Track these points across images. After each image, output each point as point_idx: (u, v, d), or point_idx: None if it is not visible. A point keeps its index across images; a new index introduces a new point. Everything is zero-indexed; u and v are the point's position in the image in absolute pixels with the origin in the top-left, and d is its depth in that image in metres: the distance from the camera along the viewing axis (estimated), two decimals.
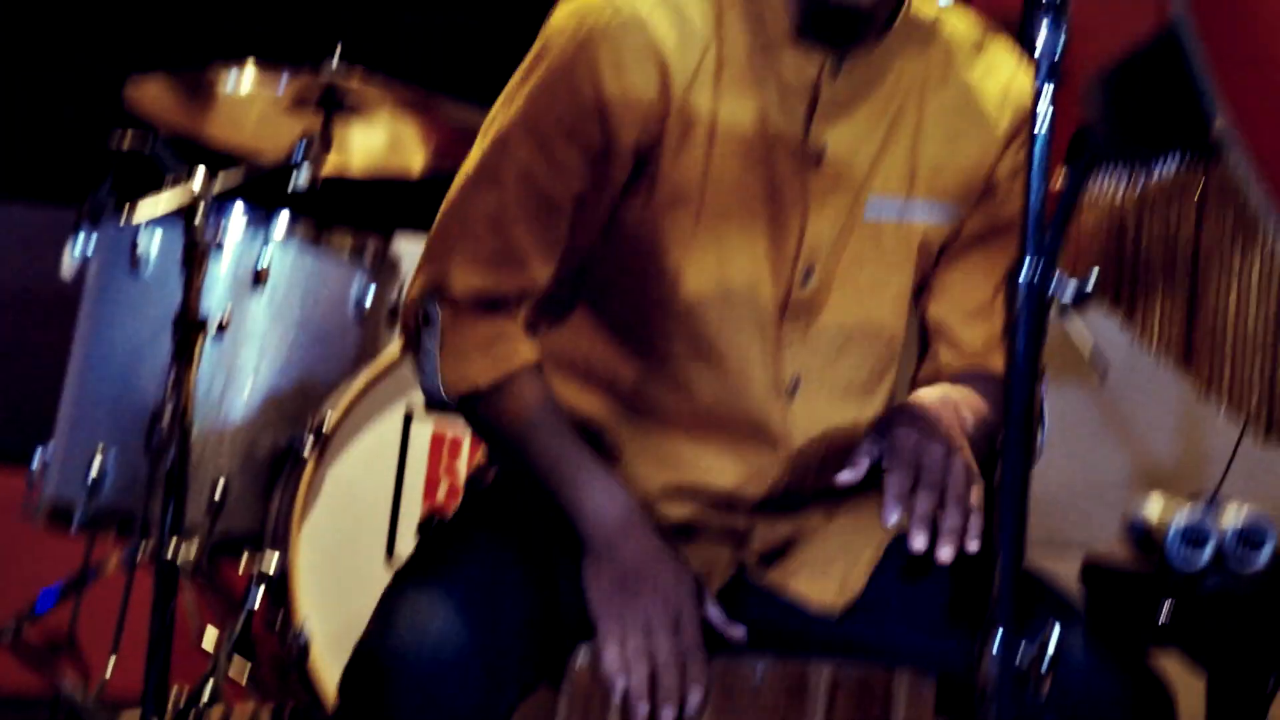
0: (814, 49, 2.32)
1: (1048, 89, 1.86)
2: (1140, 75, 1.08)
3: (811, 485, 2.42)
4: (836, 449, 2.41)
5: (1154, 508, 2.80)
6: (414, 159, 3.83)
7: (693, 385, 2.38)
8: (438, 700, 2.10)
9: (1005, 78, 2.43)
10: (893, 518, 2.11)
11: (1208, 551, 2.69)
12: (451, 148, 3.71)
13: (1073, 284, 1.89)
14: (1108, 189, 2.86)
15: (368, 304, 3.71)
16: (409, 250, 4.36)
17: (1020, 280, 1.84)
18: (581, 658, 2.28)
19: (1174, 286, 2.90)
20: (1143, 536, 2.82)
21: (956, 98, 2.42)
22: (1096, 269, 1.97)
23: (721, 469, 2.38)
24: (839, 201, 2.35)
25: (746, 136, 2.34)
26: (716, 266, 2.35)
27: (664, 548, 2.28)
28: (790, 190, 2.34)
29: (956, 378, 2.50)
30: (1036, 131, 1.87)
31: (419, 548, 2.45)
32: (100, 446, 3.60)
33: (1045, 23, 1.85)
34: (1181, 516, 2.71)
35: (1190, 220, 2.81)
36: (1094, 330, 3.41)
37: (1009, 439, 1.86)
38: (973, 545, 2.12)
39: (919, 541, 2.11)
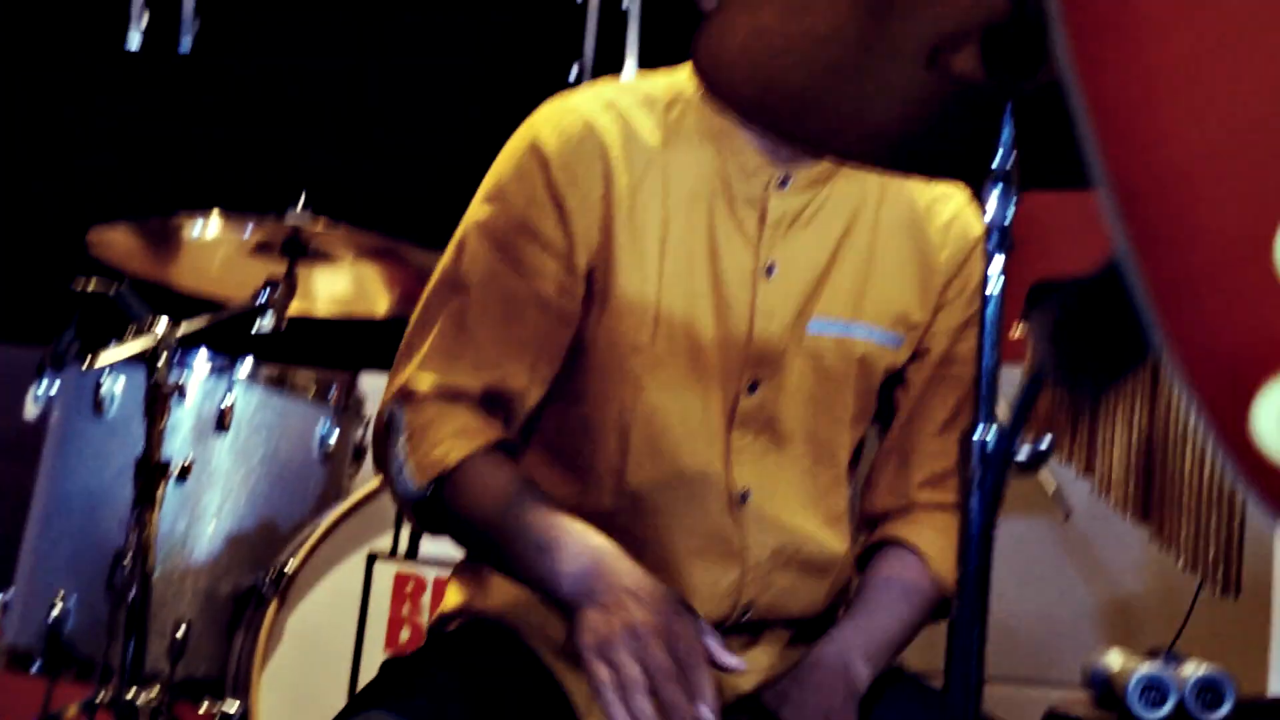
0: (762, 164, 2.34)
1: (998, 258, 1.86)
2: (1083, 311, 1.11)
3: (764, 614, 2.40)
4: (796, 562, 2.41)
5: (1114, 659, 2.80)
6: (379, 302, 3.87)
7: (651, 497, 2.37)
8: None
9: (954, 209, 2.47)
10: None
11: (1168, 706, 2.69)
12: (416, 290, 3.73)
13: (1028, 446, 1.87)
14: None
15: (332, 444, 3.72)
16: (374, 389, 4.46)
17: (975, 441, 1.83)
18: None
19: (1131, 444, 2.91)
20: (1104, 688, 2.81)
21: (904, 216, 2.46)
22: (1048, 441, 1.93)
23: (687, 586, 2.36)
24: (785, 315, 2.36)
25: (696, 250, 2.36)
26: (669, 374, 2.36)
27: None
28: (738, 302, 2.35)
29: (871, 565, 2.51)
30: (988, 293, 1.86)
31: (376, 678, 2.41)
32: (61, 591, 3.58)
33: (995, 192, 1.86)
34: (1142, 669, 2.72)
35: (1146, 388, 2.85)
36: (1056, 473, 3.40)
37: (963, 598, 1.84)
38: None
39: None
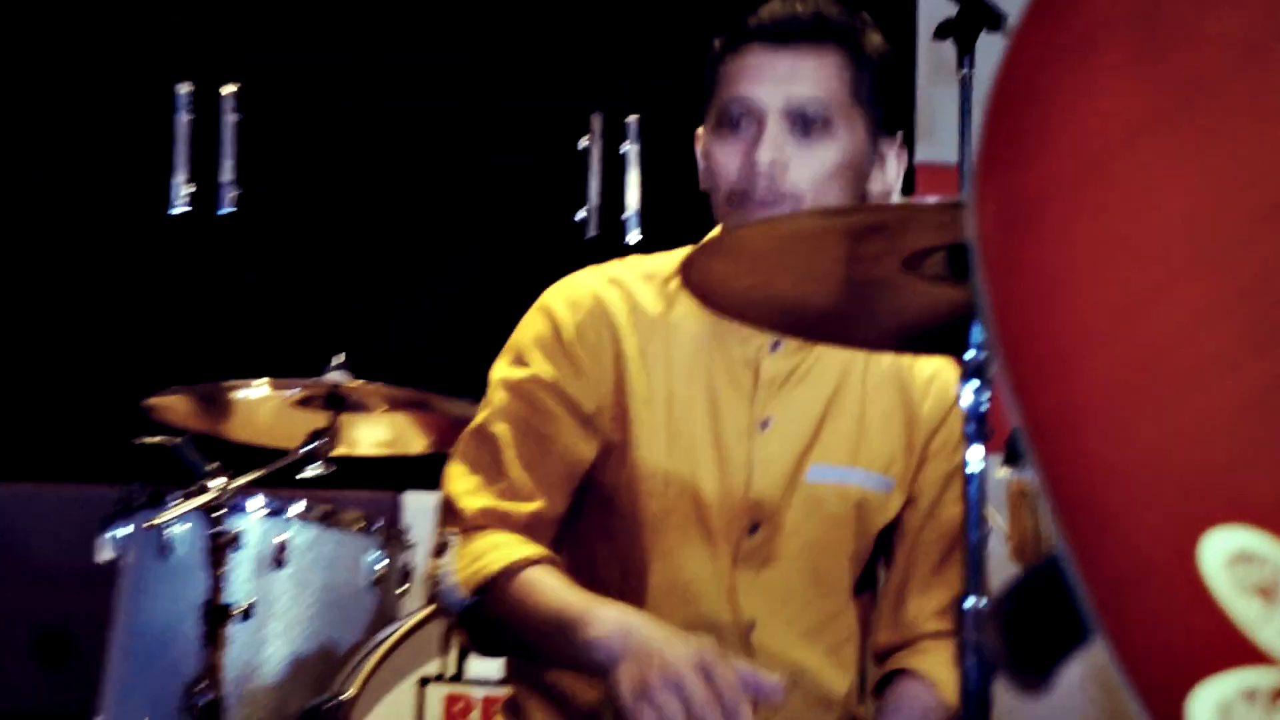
0: (754, 332, 2.36)
1: (977, 446, 1.88)
2: (1034, 615, 1.12)
3: None
4: (800, 690, 2.39)
5: None
6: (414, 444, 3.84)
7: (669, 623, 2.31)
8: None
9: (934, 366, 2.47)
10: None
11: None
12: (449, 435, 3.73)
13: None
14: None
15: (380, 570, 3.69)
16: (416, 508, 4.41)
17: (967, 609, 1.84)
18: None
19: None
20: None
21: (889, 373, 2.46)
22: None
23: None
24: (782, 465, 2.38)
25: (698, 408, 2.39)
26: (679, 521, 2.38)
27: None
28: (736, 455, 2.38)
29: (888, 691, 2.47)
30: (970, 472, 1.89)
31: None
32: (145, 718, 3.55)
33: (973, 386, 1.88)
34: None
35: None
36: None
37: None
38: None
39: None
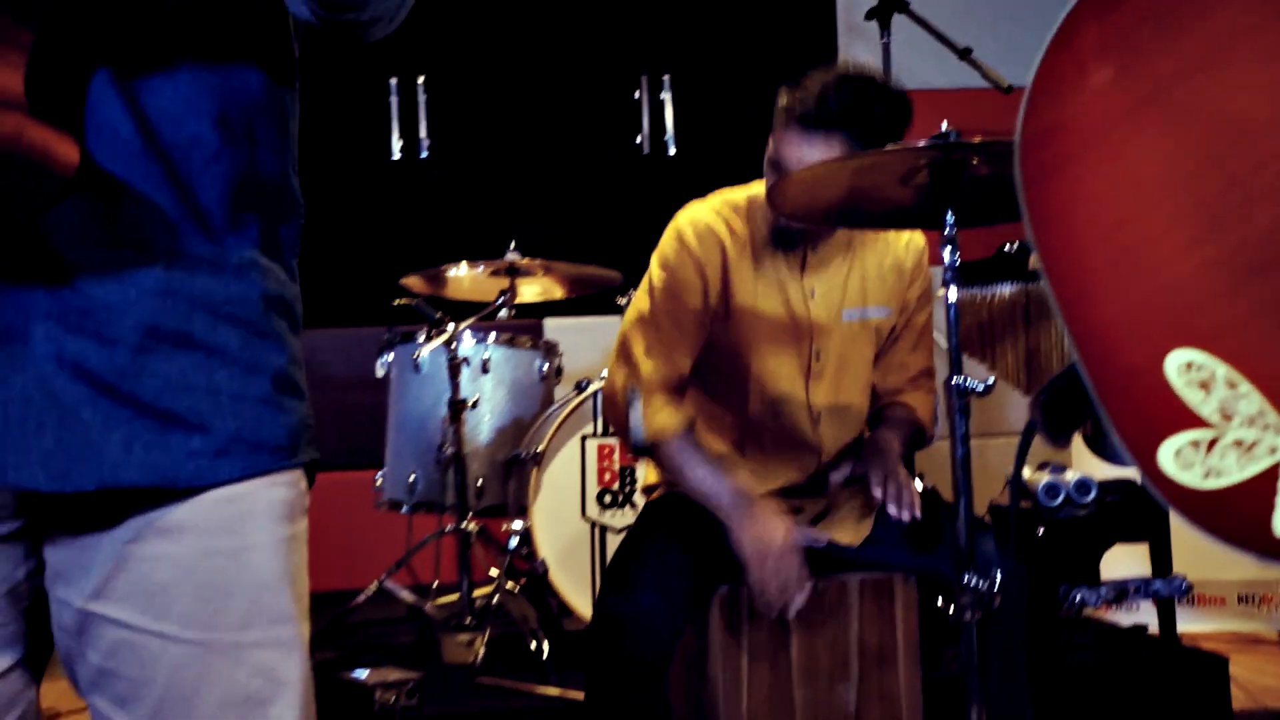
0: (797, 242, 2.32)
1: (954, 288, 1.91)
2: (1059, 399, 1.11)
3: (828, 474, 2.40)
4: (846, 446, 2.41)
5: (1028, 472, 2.84)
6: (556, 293, 3.84)
7: (767, 423, 2.36)
8: (643, 633, 2.11)
9: (909, 236, 2.43)
10: (878, 494, 2.19)
11: (1060, 498, 2.75)
12: (574, 287, 3.79)
13: (983, 383, 1.90)
14: (978, 299, 2.92)
15: (545, 370, 3.70)
16: (553, 329, 4.53)
17: (953, 384, 1.90)
18: (722, 590, 2.26)
19: (1020, 355, 2.86)
20: (1021, 488, 2.83)
21: (881, 247, 2.41)
22: (993, 377, 1.99)
23: (783, 470, 2.38)
24: (828, 313, 2.35)
25: (773, 287, 2.34)
26: (770, 356, 2.35)
27: (772, 511, 2.20)
28: (800, 312, 2.34)
29: (887, 409, 2.45)
30: (949, 301, 1.90)
31: (623, 544, 2.37)
32: (412, 467, 3.62)
33: (947, 249, 1.89)
34: (1044, 476, 2.77)
35: (1021, 310, 2.86)
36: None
37: (954, 451, 1.88)
38: (911, 515, 2.19)
39: (891, 509, 2.18)
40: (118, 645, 1.04)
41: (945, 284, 1.90)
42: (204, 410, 1.03)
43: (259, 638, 1.06)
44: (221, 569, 1.05)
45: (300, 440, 1.09)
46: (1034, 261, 1.25)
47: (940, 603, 1.94)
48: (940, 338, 2.86)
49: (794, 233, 2.30)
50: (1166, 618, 3.12)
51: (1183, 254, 0.94)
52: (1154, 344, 0.93)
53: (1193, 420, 0.92)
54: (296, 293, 1.13)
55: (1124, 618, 3.83)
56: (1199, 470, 0.91)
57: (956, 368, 1.89)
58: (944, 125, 1.90)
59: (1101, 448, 1.11)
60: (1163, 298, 0.93)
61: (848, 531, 2.38)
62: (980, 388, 1.88)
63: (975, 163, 1.92)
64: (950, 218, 1.90)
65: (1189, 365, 0.93)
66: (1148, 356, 0.93)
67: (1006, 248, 2.82)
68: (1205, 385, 0.93)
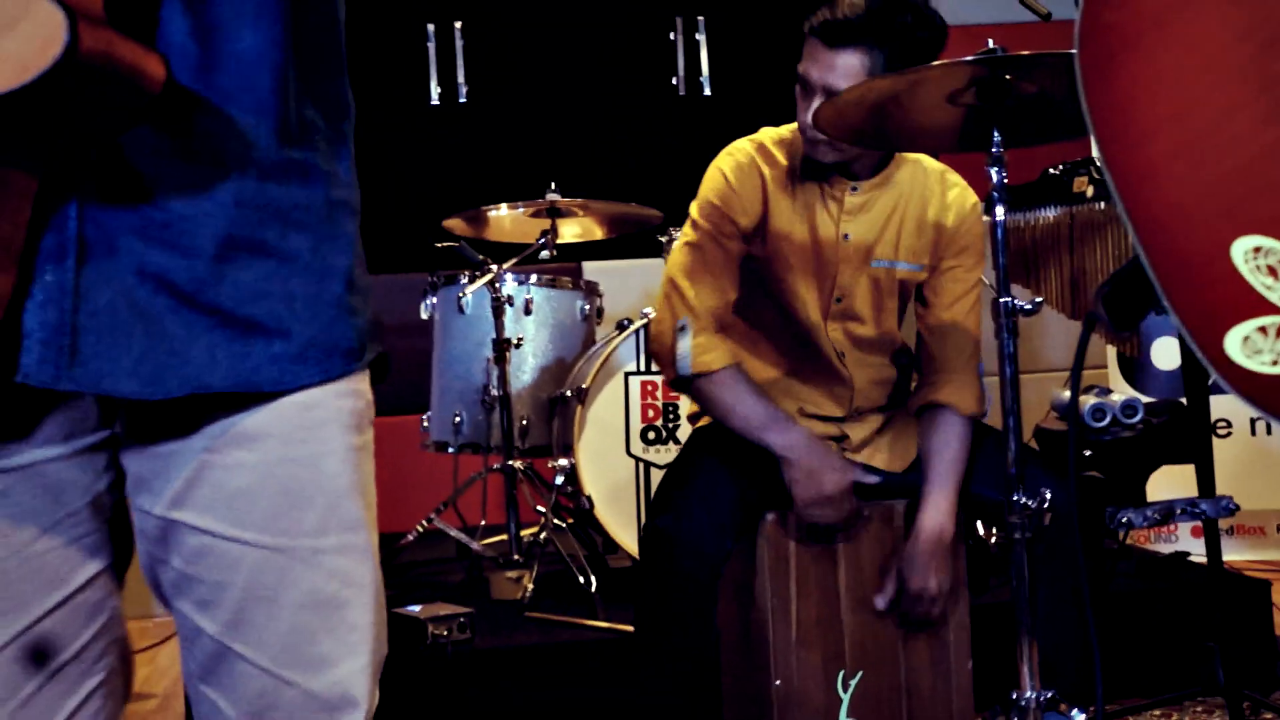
0: (840, 179, 2.29)
1: (999, 208, 1.91)
2: (1122, 291, 1.10)
3: (868, 407, 2.40)
4: (877, 383, 2.39)
5: (1066, 393, 2.77)
6: (596, 234, 3.85)
7: (800, 352, 2.37)
8: (691, 552, 2.13)
9: (956, 192, 2.37)
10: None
11: (1107, 419, 2.72)
12: (613, 227, 3.81)
13: (1030, 303, 1.92)
14: (1023, 224, 2.86)
15: (587, 310, 3.70)
16: (592, 270, 4.51)
17: (1002, 302, 1.91)
18: (769, 516, 2.25)
19: (1065, 278, 2.81)
20: (1067, 411, 2.82)
21: (924, 199, 2.36)
22: (1040, 298, 1.94)
23: (823, 402, 2.38)
24: (856, 259, 2.33)
25: (806, 221, 2.32)
26: (800, 284, 2.32)
27: (819, 445, 2.22)
28: (829, 253, 2.32)
29: (933, 426, 2.33)
30: (999, 227, 1.89)
31: (670, 468, 2.38)
32: (457, 408, 3.64)
33: (994, 169, 1.89)
34: (1090, 399, 2.75)
35: (1066, 232, 2.83)
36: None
37: (1002, 370, 1.91)
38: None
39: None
40: (199, 551, 1.06)
41: (993, 203, 1.89)
42: (283, 315, 1.05)
43: (335, 543, 1.08)
44: (298, 476, 1.07)
45: (366, 341, 1.11)
46: (1095, 153, 1.26)
47: (982, 530, 1.96)
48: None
49: (827, 166, 2.29)
50: (1211, 542, 3.10)
51: (1251, 136, 0.92)
52: (1220, 230, 0.91)
53: (1261, 306, 0.90)
54: (357, 194, 1.14)
55: (1163, 546, 3.84)
56: (1268, 356, 0.90)
57: (1004, 289, 1.88)
58: (990, 42, 1.89)
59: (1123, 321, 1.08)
60: (1230, 182, 0.91)
61: (895, 458, 2.38)
62: (1028, 305, 1.88)
63: (1021, 82, 1.91)
64: (997, 136, 1.90)
65: (1257, 250, 0.91)
66: (1214, 243, 0.91)
67: (1051, 170, 2.79)
68: (1275, 270, 0.91)
